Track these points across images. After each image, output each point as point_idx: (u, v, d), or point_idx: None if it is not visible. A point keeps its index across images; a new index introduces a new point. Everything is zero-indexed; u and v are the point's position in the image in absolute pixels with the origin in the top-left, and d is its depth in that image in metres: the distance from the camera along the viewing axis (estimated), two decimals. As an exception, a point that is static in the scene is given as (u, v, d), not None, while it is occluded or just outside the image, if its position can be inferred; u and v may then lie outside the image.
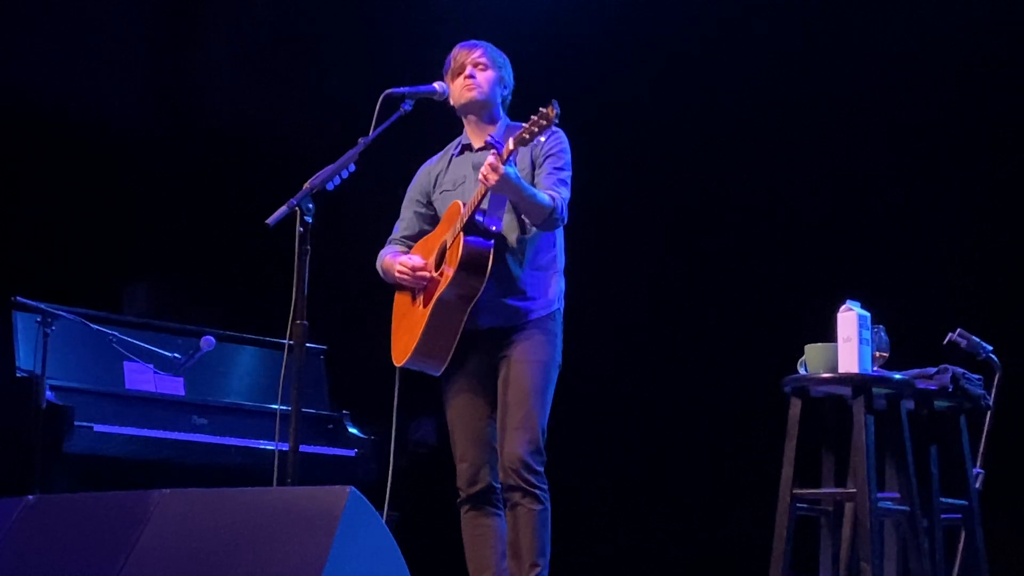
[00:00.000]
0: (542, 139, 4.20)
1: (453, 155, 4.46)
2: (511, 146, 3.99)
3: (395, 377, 4.41)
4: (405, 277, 4.30)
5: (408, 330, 4.35)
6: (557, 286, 4.35)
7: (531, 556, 4.12)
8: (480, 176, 4.03)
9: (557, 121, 3.99)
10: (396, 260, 4.37)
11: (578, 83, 6.51)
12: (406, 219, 4.53)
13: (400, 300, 4.48)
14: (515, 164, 4.13)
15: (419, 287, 4.32)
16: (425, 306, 4.26)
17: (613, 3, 6.63)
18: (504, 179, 4.00)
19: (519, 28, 4.45)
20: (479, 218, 4.14)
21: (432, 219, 4.48)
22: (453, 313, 4.18)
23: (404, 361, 4.34)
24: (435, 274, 4.25)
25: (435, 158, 4.53)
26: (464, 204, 4.20)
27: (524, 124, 4.15)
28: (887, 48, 6.18)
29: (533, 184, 4.21)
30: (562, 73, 6.50)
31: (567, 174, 4.30)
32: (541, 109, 3.99)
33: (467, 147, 4.43)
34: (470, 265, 4.11)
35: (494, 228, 4.15)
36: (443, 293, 4.15)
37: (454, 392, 4.34)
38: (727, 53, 6.47)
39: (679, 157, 6.58)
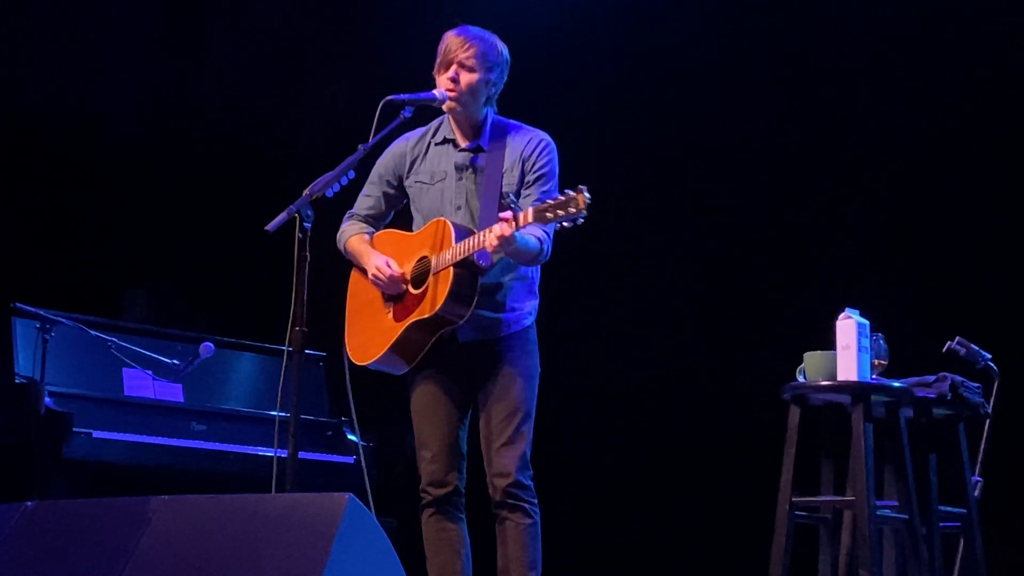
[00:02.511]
0: (530, 149, 4.18)
1: (432, 142, 4.31)
2: (530, 218, 3.90)
3: (345, 368, 4.32)
4: (380, 279, 4.21)
5: (371, 329, 4.27)
6: (535, 299, 4.28)
7: (521, 570, 4.08)
8: (490, 243, 3.94)
9: (586, 206, 3.81)
10: (371, 255, 4.26)
11: (578, 86, 6.52)
12: (373, 197, 4.39)
13: (360, 286, 4.36)
14: (512, 194, 4.08)
15: (389, 292, 4.25)
16: (397, 320, 4.20)
17: (612, 7, 6.64)
18: (513, 248, 3.98)
19: (520, 34, 4.42)
20: (472, 255, 4.08)
21: (398, 200, 4.38)
22: (425, 334, 4.15)
23: (364, 363, 4.28)
24: (412, 289, 4.18)
25: (412, 136, 4.36)
26: (449, 221, 4.12)
27: (515, 122, 4.22)
28: (888, 54, 6.18)
29: (519, 199, 4.13)
30: (563, 73, 6.51)
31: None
32: (570, 193, 3.85)
33: (450, 141, 4.29)
34: (457, 296, 4.07)
35: (484, 264, 4.07)
36: (422, 319, 4.11)
37: (425, 391, 4.25)
38: (727, 56, 6.47)
39: (678, 162, 6.58)
